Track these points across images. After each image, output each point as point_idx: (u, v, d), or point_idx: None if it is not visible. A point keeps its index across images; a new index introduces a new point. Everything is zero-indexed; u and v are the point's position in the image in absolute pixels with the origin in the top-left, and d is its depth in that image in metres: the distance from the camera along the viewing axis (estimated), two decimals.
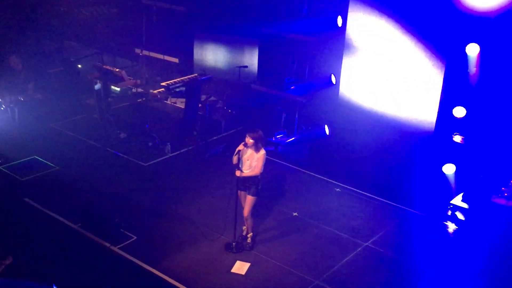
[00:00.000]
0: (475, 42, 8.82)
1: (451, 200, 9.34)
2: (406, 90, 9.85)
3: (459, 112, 9.30)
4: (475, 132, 9.23)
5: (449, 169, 9.63)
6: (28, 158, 10.07)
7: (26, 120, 11.29)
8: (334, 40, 10.96)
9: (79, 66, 14.02)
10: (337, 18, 10.77)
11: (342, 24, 10.60)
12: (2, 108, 11.27)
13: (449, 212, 9.21)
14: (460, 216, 9.12)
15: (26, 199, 9.03)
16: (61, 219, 8.59)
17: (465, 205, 9.12)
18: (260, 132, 7.76)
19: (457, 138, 9.36)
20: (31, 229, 8.28)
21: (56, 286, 6.11)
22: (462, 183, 9.49)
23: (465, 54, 8.95)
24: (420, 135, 9.79)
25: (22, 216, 8.64)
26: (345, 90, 10.67)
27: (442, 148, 9.63)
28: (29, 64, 11.74)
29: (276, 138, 11.61)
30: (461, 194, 9.33)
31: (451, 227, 8.98)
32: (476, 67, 8.96)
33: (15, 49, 12.61)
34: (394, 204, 9.57)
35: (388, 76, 10.01)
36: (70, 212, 8.71)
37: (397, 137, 10.02)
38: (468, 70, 9.02)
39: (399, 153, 9.93)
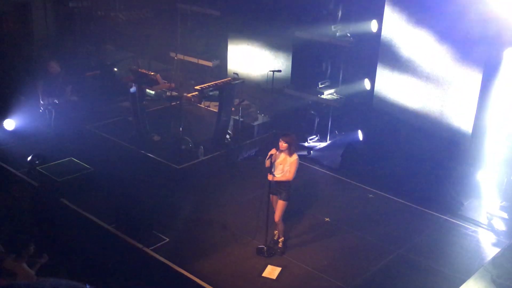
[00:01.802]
0: None
1: (489, 208, 9.12)
2: (442, 95, 9.70)
3: (496, 118, 9.11)
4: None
5: (486, 176, 9.42)
6: (65, 160, 10.25)
7: (63, 122, 11.51)
8: (369, 45, 10.87)
9: (115, 69, 14.26)
10: (371, 22, 10.69)
11: (377, 29, 10.51)
12: (40, 111, 11.53)
13: (487, 221, 8.99)
14: (497, 224, 8.89)
15: (62, 200, 9.20)
16: (95, 219, 8.73)
17: (504, 215, 8.87)
18: (294, 136, 7.73)
19: (498, 145, 9.15)
20: (67, 229, 8.42)
21: (89, 285, 6.21)
22: (500, 191, 9.27)
23: (503, 59, 8.76)
24: (457, 141, 9.62)
25: (58, 216, 8.81)
26: (379, 95, 10.56)
27: (479, 154, 9.43)
28: (66, 68, 11.97)
29: (309, 142, 11.56)
30: (500, 202, 9.10)
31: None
32: None
33: (54, 54, 12.88)
34: (429, 211, 9.40)
35: (424, 81, 9.87)
36: (104, 213, 8.84)
37: (433, 143, 9.87)
38: (506, 74, 8.82)
39: (434, 159, 9.76)
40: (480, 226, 8.99)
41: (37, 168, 9.88)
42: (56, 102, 11.48)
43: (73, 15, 14.72)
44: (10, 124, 11.57)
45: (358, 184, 10.25)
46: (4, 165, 10.31)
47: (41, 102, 11.31)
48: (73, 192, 9.40)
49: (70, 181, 9.58)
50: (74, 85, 12.25)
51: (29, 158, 10.08)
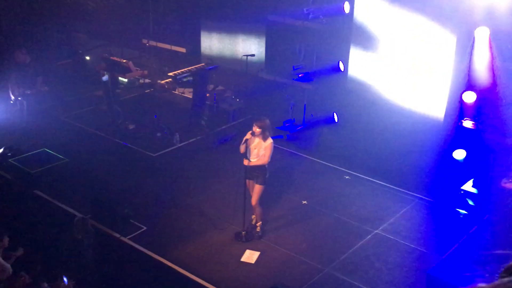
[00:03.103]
0: (485, 25, 8.69)
1: (462, 186, 9.25)
2: (415, 75, 9.76)
3: (469, 97, 9.20)
4: (485, 117, 9.12)
5: (459, 154, 9.54)
6: (38, 151, 10.10)
7: (35, 113, 11.32)
8: (342, 26, 10.86)
9: (87, 57, 14.04)
10: (344, 4, 10.66)
11: (349, 10, 10.50)
12: (11, 102, 11.32)
13: (461, 199, 9.12)
14: (470, 201, 9.04)
15: (36, 191, 9.08)
16: (71, 210, 8.64)
17: (474, 190, 9.01)
18: (267, 121, 7.71)
19: (468, 124, 9.26)
20: (42, 221, 8.32)
21: (66, 277, 6.15)
22: (472, 169, 9.40)
23: (475, 38, 8.82)
24: (430, 121, 9.71)
25: (32, 208, 8.69)
26: (353, 76, 10.59)
27: (452, 133, 9.53)
28: (36, 57, 11.75)
29: (284, 126, 11.56)
30: (472, 179, 9.24)
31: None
32: (486, 51, 8.83)
33: (22, 43, 12.62)
34: (404, 191, 9.50)
35: (397, 61, 9.92)
36: (80, 203, 8.76)
37: (407, 123, 9.95)
38: (478, 54, 8.89)
39: (408, 139, 9.85)
40: (454, 204, 9.11)
41: (10, 160, 9.72)
42: (28, 93, 11.28)
43: (42, 2, 14.40)
44: None
45: (334, 166, 10.30)
46: None
47: (11, 93, 11.10)
48: (47, 183, 9.28)
49: (43, 173, 9.46)
50: (45, 75, 12.05)
51: (0, 150, 9.90)
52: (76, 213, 8.50)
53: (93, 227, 7.62)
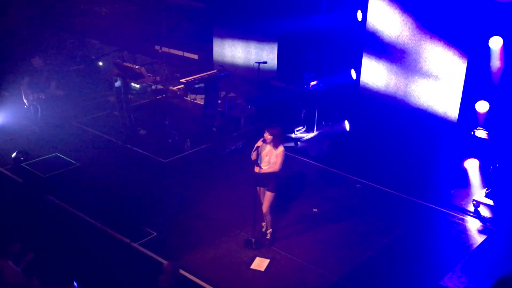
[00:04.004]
0: (499, 35, 8.64)
1: (475, 196, 9.18)
2: (427, 84, 9.72)
3: (482, 106, 9.15)
4: (498, 127, 9.06)
5: (471, 164, 9.48)
6: (50, 155, 10.16)
7: (48, 117, 11.40)
8: (354, 35, 10.86)
9: (100, 63, 14.15)
10: (356, 12, 10.67)
11: (362, 18, 10.49)
12: (25, 107, 11.42)
13: (473, 209, 9.05)
14: (483, 212, 8.96)
15: (48, 196, 9.12)
16: (82, 215, 8.66)
17: (490, 202, 8.92)
18: (279, 128, 7.70)
19: (481, 133, 9.20)
20: (53, 226, 8.35)
21: (76, 282, 6.17)
22: (485, 179, 9.33)
23: (488, 48, 8.78)
24: (442, 130, 9.65)
25: (44, 212, 8.73)
26: (365, 84, 10.56)
27: (465, 143, 9.47)
28: (50, 62, 11.86)
29: (296, 133, 11.55)
30: (485, 189, 9.16)
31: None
32: (499, 60, 8.79)
33: (37, 49, 12.75)
34: (415, 200, 9.44)
35: (409, 70, 9.88)
36: (91, 208, 8.78)
37: (419, 133, 9.89)
38: (491, 64, 8.85)
39: (420, 148, 9.80)
40: (466, 214, 9.05)
41: (22, 164, 9.79)
42: (42, 98, 11.37)
43: (56, 8, 14.55)
44: None
45: (345, 174, 10.26)
46: None
47: (24, 98, 11.19)
48: (59, 188, 9.33)
49: (55, 177, 9.50)
50: (58, 80, 12.14)
51: (13, 155, 9.98)
52: (88, 218, 8.54)
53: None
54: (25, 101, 11.32)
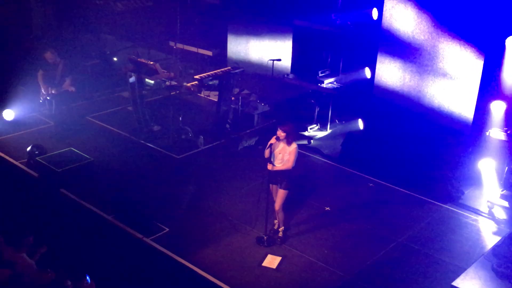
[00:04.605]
0: None
1: (490, 197, 9.10)
2: (443, 83, 9.65)
3: (498, 106, 9.05)
4: None
5: (486, 164, 9.39)
6: (64, 150, 10.23)
7: (63, 112, 11.48)
8: (369, 32, 10.80)
9: (115, 59, 14.21)
10: (372, 10, 10.60)
11: (377, 16, 10.43)
12: (40, 101, 11.50)
13: (487, 210, 8.98)
14: (497, 213, 8.88)
15: (62, 190, 9.19)
16: (95, 209, 8.72)
17: (505, 203, 8.84)
18: (292, 125, 7.69)
19: (496, 133, 9.10)
20: (66, 219, 8.42)
21: (89, 275, 6.21)
22: (500, 180, 9.24)
23: (505, 47, 8.69)
24: (457, 129, 9.57)
25: (57, 206, 8.80)
26: (380, 83, 10.51)
27: (480, 143, 9.39)
28: (65, 57, 11.92)
29: (309, 131, 11.52)
30: (500, 190, 9.07)
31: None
32: None
33: (52, 44, 12.82)
34: (428, 200, 9.38)
35: (425, 69, 9.81)
36: (104, 203, 8.83)
37: (434, 132, 9.83)
38: (508, 64, 8.75)
39: (435, 147, 9.73)
40: (480, 215, 8.98)
41: (37, 158, 9.86)
42: (55, 93, 11.44)
43: (72, 4, 14.62)
44: (9, 114, 11.55)
45: (358, 173, 10.22)
46: (4, 156, 10.30)
47: (43, 92, 11.27)
48: (72, 182, 9.38)
49: (69, 172, 9.56)
50: (73, 75, 12.21)
51: (28, 149, 10.06)
52: (101, 213, 8.59)
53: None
54: (43, 92, 11.35)
